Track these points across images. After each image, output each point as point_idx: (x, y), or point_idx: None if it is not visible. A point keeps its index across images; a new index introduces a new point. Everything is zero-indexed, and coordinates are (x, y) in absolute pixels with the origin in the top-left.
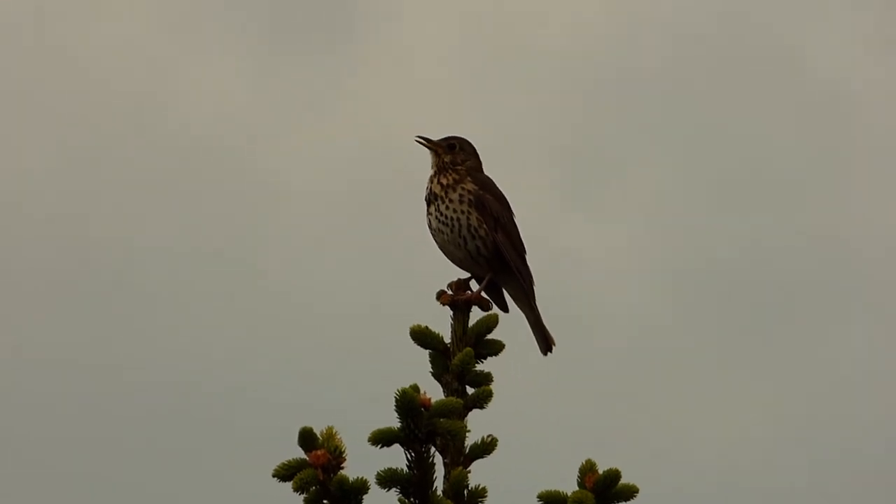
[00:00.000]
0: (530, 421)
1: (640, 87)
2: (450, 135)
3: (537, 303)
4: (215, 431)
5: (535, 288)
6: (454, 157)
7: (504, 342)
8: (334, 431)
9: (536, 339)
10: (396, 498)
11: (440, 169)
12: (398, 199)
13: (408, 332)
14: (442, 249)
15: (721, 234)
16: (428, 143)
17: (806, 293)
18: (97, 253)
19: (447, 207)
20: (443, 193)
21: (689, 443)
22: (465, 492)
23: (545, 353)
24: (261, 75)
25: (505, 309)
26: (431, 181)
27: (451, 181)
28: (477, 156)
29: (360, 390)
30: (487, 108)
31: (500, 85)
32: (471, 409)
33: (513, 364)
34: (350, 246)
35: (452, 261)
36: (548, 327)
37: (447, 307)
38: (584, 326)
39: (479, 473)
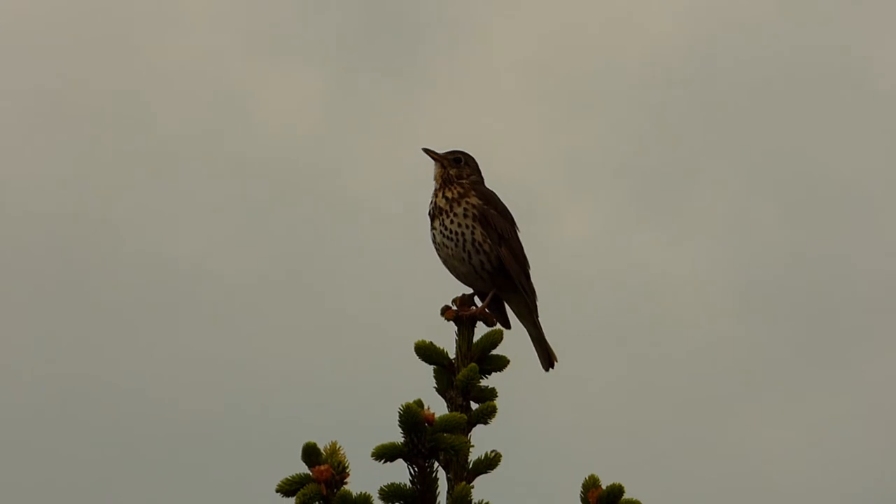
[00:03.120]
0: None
1: (712, 103)
2: (455, 149)
3: (540, 319)
4: (218, 446)
5: (538, 304)
6: (459, 171)
7: (509, 358)
8: (338, 446)
9: (539, 355)
10: None
11: (444, 182)
12: None
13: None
14: (445, 264)
15: (792, 250)
16: (434, 155)
17: (877, 311)
18: (156, 270)
19: (451, 222)
20: (447, 207)
21: (755, 458)
22: None
23: (547, 370)
24: (334, 94)
25: (507, 325)
26: (436, 195)
27: (455, 195)
28: (479, 172)
29: (365, 405)
30: (559, 125)
31: (572, 102)
32: (475, 425)
33: (562, 380)
34: (408, 262)
35: (456, 275)
36: (550, 343)
37: (451, 322)
38: (649, 340)
39: (482, 489)
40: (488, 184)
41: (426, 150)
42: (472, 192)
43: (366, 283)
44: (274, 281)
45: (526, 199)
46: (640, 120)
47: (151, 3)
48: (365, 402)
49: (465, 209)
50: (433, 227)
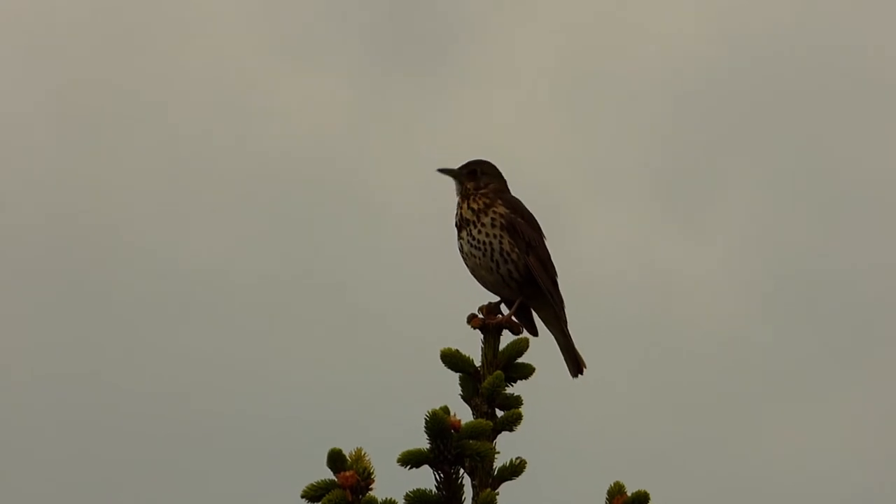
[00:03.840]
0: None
1: (736, 104)
2: (470, 160)
3: (569, 326)
4: (243, 452)
5: (566, 311)
6: (477, 183)
7: (534, 366)
8: (363, 453)
9: (567, 362)
10: None
11: (466, 195)
12: None
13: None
14: (473, 273)
15: (817, 251)
16: (449, 173)
17: None
18: (175, 272)
19: (479, 231)
20: (474, 218)
21: (781, 461)
22: None
23: (575, 376)
24: (358, 96)
25: (534, 332)
26: (460, 207)
27: (481, 206)
28: (500, 177)
29: (391, 411)
30: (583, 127)
31: (596, 104)
32: (500, 432)
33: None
34: (436, 267)
35: (484, 285)
36: (579, 350)
37: (478, 330)
38: (675, 342)
39: (507, 495)
40: (513, 188)
41: (441, 171)
42: (499, 201)
43: (394, 287)
44: (306, 284)
45: (550, 201)
46: (664, 121)
47: (175, 4)
48: (391, 408)
49: (492, 219)
50: (460, 238)
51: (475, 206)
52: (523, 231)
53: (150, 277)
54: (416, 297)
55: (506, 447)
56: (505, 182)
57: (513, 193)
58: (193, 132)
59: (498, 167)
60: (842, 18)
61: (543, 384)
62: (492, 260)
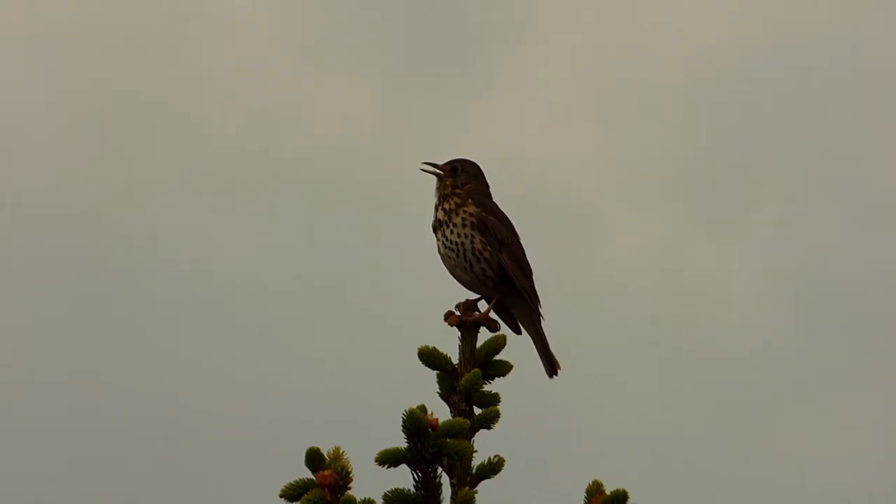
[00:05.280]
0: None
1: (768, 109)
2: (454, 158)
3: (543, 326)
4: (220, 451)
5: (541, 310)
6: (455, 181)
7: (512, 363)
8: (341, 451)
9: (542, 361)
10: None
11: (444, 196)
12: (518, 222)
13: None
14: (452, 274)
15: (850, 257)
16: (433, 170)
17: None
18: (202, 279)
19: (451, 232)
20: (446, 219)
21: (809, 469)
22: None
23: (550, 377)
24: (386, 102)
25: (517, 331)
26: (436, 209)
27: (453, 206)
28: (481, 178)
29: (368, 409)
30: (612, 133)
31: (626, 110)
32: (478, 430)
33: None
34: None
35: (463, 285)
36: (553, 351)
37: (455, 328)
38: (704, 348)
39: (485, 494)
40: (540, 193)
41: (424, 164)
42: (470, 201)
43: (417, 293)
44: (330, 291)
45: (579, 206)
46: (694, 127)
47: (203, 10)
48: (368, 406)
49: (462, 218)
50: (437, 240)
51: (447, 207)
52: (495, 229)
53: (177, 283)
54: (442, 304)
55: (484, 445)
56: (486, 185)
57: (494, 199)
58: (219, 136)
59: (482, 169)
60: (877, 25)
61: (521, 381)
62: (465, 260)
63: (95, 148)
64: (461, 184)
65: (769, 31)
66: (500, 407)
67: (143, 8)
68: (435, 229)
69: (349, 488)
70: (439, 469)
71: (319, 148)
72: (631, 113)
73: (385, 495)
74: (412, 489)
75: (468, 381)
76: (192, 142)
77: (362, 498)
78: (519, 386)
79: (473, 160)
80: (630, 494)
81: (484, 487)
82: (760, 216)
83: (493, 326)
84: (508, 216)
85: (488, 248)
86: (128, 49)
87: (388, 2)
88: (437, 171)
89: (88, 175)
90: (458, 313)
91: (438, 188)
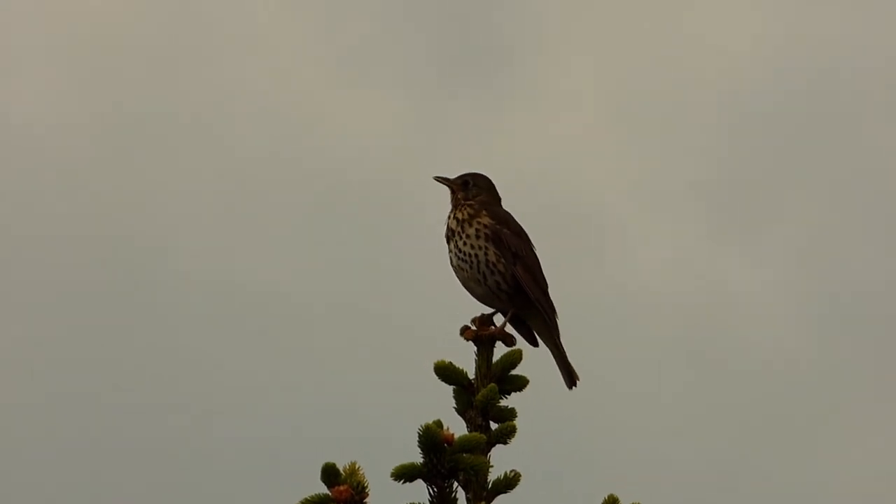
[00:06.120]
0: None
1: (793, 122)
2: (466, 172)
3: (562, 338)
4: (235, 467)
5: (558, 322)
6: (466, 194)
7: (528, 377)
8: (357, 467)
9: (561, 373)
10: None
11: (455, 206)
12: (545, 234)
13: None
14: (465, 286)
15: (876, 272)
16: (445, 181)
17: None
18: (226, 292)
19: (464, 243)
20: (459, 229)
21: (832, 488)
22: None
23: (570, 388)
24: (416, 114)
25: (534, 343)
26: (448, 218)
27: (465, 216)
28: (492, 191)
29: (385, 424)
30: (638, 145)
31: (652, 122)
32: (494, 445)
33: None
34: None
35: (475, 297)
36: (572, 362)
37: (471, 343)
38: (727, 363)
39: None
40: (567, 204)
41: (436, 178)
42: (483, 212)
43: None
44: (359, 304)
45: (606, 219)
46: (719, 140)
47: (231, 22)
48: (384, 421)
49: (476, 230)
50: (449, 251)
51: (460, 216)
52: (509, 241)
53: (209, 297)
54: (459, 318)
55: (500, 460)
56: (498, 197)
57: (506, 209)
58: (248, 147)
59: (493, 182)
60: None
61: (538, 395)
62: (478, 272)
63: (126, 162)
64: (472, 197)
65: (797, 42)
66: (517, 422)
67: (175, 22)
68: (448, 239)
69: (365, 503)
70: (455, 484)
71: (349, 159)
72: (658, 124)
73: None
74: None
75: (485, 396)
76: (220, 153)
77: None
78: (536, 400)
79: (485, 174)
80: None
81: (500, 502)
82: (788, 230)
83: (509, 341)
84: (524, 228)
85: (502, 260)
86: (152, 62)
87: (419, 14)
88: (449, 184)
89: (116, 187)
90: (473, 328)
91: (452, 201)
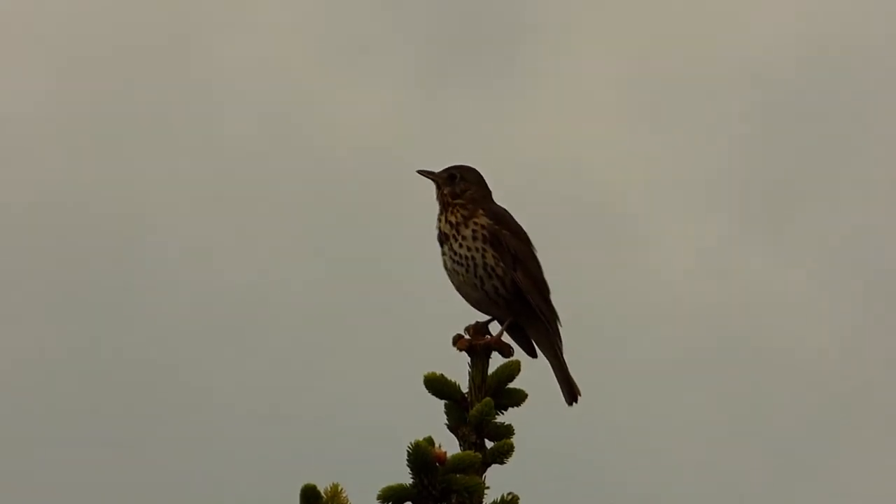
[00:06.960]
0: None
1: (827, 116)
2: (452, 164)
3: (563, 349)
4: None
5: (560, 331)
6: (453, 189)
7: (527, 391)
8: (340, 489)
9: (561, 387)
10: None
11: (444, 205)
12: (561, 228)
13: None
14: (459, 291)
15: None
16: (429, 175)
17: None
18: (220, 287)
19: (460, 246)
20: (453, 232)
21: (870, 483)
22: None
23: (570, 404)
24: (418, 105)
25: (533, 355)
26: (439, 220)
27: (459, 217)
28: (482, 184)
29: (371, 442)
30: (662, 140)
31: (676, 116)
32: (490, 465)
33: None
34: None
35: (470, 303)
36: (573, 375)
37: (464, 353)
38: (757, 365)
39: None
40: (586, 200)
41: (420, 172)
42: (480, 211)
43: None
44: (359, 300)
45: (628, 214)
46: (749, 136)
47: (225, 11)
48: (370, 439)
49: (473, 231)
50: (443, 253)
51: (453, 219)
52: (508, 243)
53: (186, 289)
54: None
55: (496, 481)
56: (488, 191)
57: (502, 205)
58: (241, 138)
59: (482, 174)
60: None
61: (537, 411)
62: (475, 276)
63: (116, 156)
64: (460, 191)
65: (827, 35)
66: (514, 439)
67: (168, 15)
68: (441, 242)
69: None
70: None
71: (352, 150)
72: (684, 115)
73: None
74: None
75: (479, 411)
76: (211, 143)
77: None
78: (534, 416)
79: (472, 166)
80: None
81: None
82: (821, 226)
83: (506, 351)
84: (523, 229)
85: (501, 264)
86: (153, 56)
87: (416, 5)
88: (434, 178)
89: (101, 178)
90: (467, 337)
91: (438, 197)
